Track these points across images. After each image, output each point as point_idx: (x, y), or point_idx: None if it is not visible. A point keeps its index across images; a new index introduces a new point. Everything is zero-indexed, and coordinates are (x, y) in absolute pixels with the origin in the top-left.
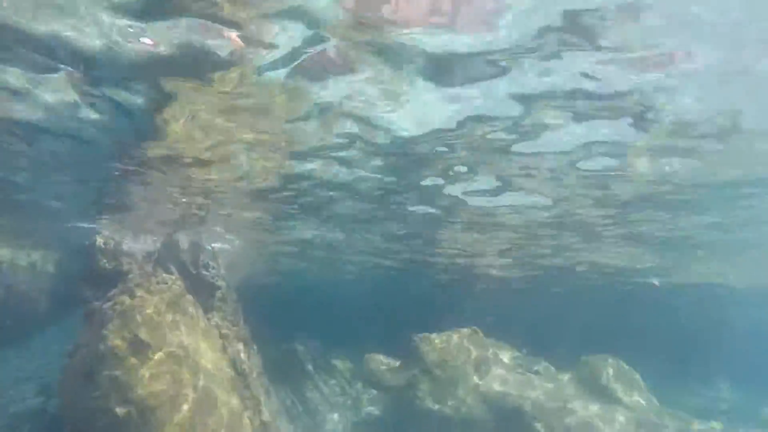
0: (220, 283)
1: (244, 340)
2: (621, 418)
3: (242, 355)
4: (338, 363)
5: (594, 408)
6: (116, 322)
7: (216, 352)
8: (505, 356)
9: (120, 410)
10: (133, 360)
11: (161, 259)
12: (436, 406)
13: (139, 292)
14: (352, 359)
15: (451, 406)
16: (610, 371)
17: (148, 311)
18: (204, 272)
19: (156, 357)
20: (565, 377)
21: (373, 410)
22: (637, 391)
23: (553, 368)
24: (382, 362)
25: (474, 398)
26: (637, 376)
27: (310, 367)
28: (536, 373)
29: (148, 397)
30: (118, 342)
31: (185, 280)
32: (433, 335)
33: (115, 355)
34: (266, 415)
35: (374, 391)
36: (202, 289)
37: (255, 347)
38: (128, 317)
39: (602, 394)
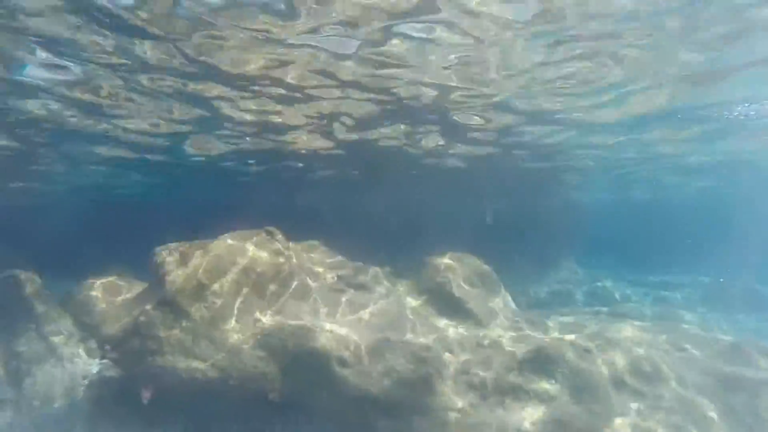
0: None
1: None
2: (466, 340)
3: None
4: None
5: (435, 329)
6: None
7: None
8: (318, 266)
9: None
10: None
11: None
12: (183, 361)
13: None
14: None
15: (207, 360)
16: (461, 273)
17: None
18: None
19: None
20: (402, 287)
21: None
22: (492, 295)
23: (384, 276)
24: (107, 290)
25: (251, 342)
26: (494, 276)
27: (38, 303)
28: (362, 287)
29: None
30: None
31: None
32: (189, 245)
33: None
34: None
35: None
36: None
37: None
38: None
39: (449, 305)
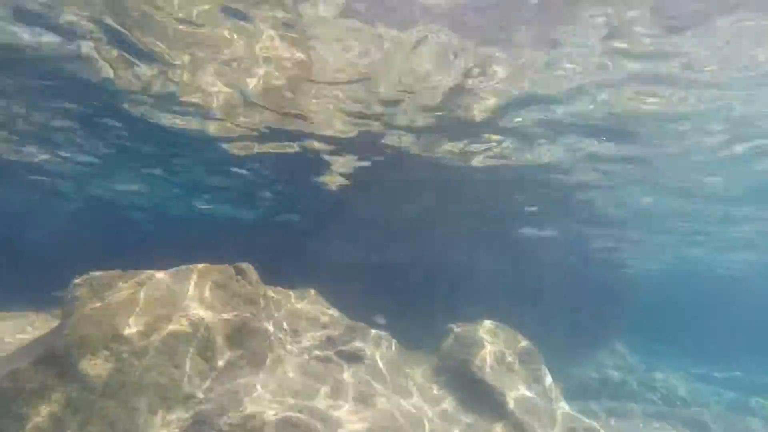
0: None
1: None
2: None
3: None
4: None
5: None
6: None
7: None
8: (304, 322)
9: None
10: None
11: None
12: None
13: None
14: None
15: None
16: (494, 350)
17: None
18: None
19: None
20: (413, 362)
21: None
22: (536, 384)
23: (389, 344)
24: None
25: None
26: (539, 357)
27: None
28: (355, 358)
29: None
30: None
31: None
32: (120, 275)
33: None
34: None
35: None
36: None
37: None
38: None
39: (477, 395)
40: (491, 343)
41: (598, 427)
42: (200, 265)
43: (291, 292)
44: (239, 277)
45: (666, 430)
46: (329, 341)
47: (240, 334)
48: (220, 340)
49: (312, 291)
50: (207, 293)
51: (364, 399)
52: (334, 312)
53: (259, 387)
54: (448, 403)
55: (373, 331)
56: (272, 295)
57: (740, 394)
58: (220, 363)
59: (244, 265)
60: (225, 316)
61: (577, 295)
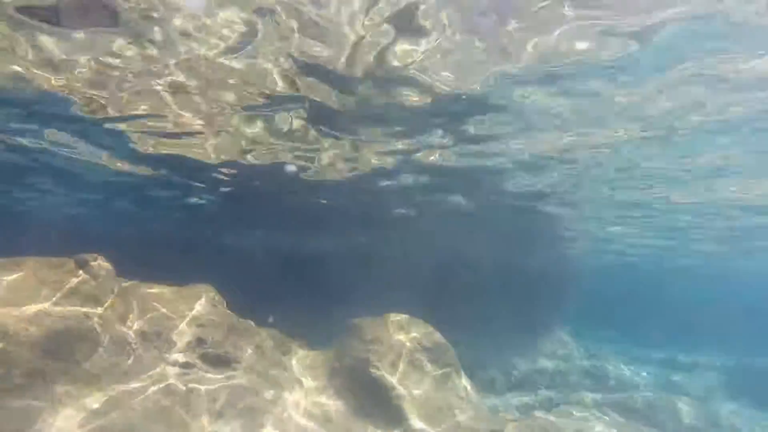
0: None
1: None
2: None
3: None
4: None
5: None
6: None
7: None
8: (179, 321)
9: None
10: None
11: None
12: None
13: None
14: None
15: None
16: (398, 347)
17: None
18: None
19: None
20: (311, 367)
21: None
22: (443, 382)
23: (273, 346)
24: None
25: None
26: (450, 352)
27: None
28: (223, 362)
29: None
30: None
31: None
32: None
33: None
34: None
35: None
36: None
37: None
38: None
39: (376, 399)
40: (398, 338)
41: (507, 425)
42: (25, 258)
43: (168, 289)
44: (81, 272)
45: (600, 417)
46: (200, 343)
47: (63, 342)
48: (25, 352)
49: (202, 286)
50: (23, 292)
51: (221, 413)
52: (218, 310)
53: (67, 410)
54: (338, 408)
55: (257, 331)
56: (138, 291)
57: (674, 373)
58: (20, 381)
59: (91, 257)
60: (44, 319)
61: (515, 284)
